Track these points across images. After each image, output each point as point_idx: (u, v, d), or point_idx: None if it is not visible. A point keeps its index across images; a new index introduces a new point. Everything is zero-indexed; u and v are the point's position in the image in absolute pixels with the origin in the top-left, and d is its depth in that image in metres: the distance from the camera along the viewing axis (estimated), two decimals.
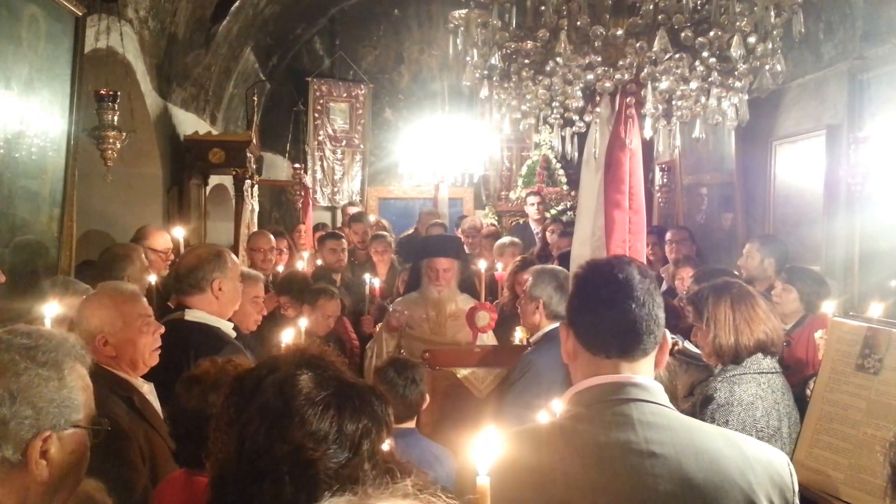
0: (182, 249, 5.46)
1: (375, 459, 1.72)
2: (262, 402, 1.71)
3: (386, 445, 1.93)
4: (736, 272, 5.33)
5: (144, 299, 3.25)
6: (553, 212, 10.68)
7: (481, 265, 5.95)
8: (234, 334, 3.90)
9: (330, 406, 1.69)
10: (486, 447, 1.57)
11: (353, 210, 10.52)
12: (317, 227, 9.82)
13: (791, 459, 3.23)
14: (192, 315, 3.76)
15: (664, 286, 6.84)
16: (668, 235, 7.03)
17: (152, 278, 4.66)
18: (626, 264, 1.93)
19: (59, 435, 1.69)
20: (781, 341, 3.50)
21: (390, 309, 5.51)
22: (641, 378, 1.83)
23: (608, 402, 1.78)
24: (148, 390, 3.11)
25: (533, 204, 9.84)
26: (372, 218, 10.56)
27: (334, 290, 5.49)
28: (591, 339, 1.87)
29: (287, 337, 3.65)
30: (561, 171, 11.39)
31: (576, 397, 1.84)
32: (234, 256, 4.02)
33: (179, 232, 5.58)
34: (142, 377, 3.13)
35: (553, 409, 2.20)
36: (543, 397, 1.87)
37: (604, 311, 1.87)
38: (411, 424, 3.60)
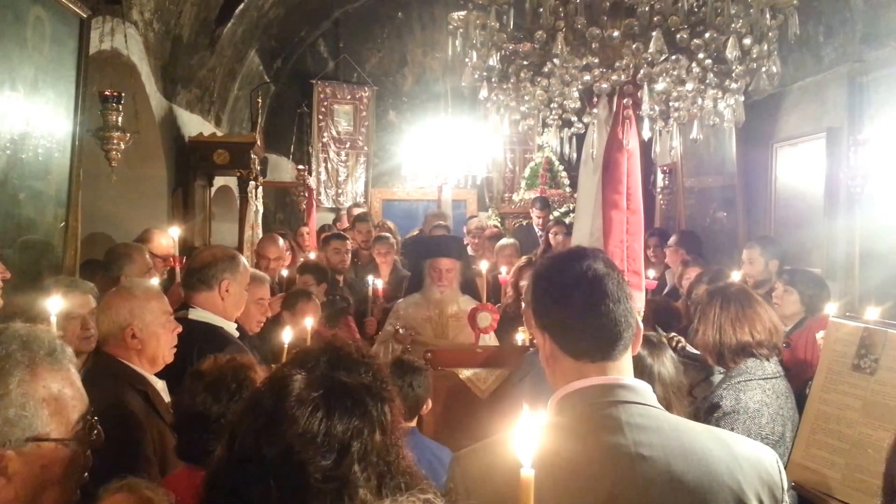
0: (177, 249, 5.48)
1: (368, 460, 1.69)
2: (255, 403, 1.71)
3: None
4: (734, 273, 5.35)
5: (166, 298, 3.34)
6: (556, 214, 10.69)
7: (482, 266, 5.97)
8: (237, 335, 3.94)
9: (319, 407, 1.66)
10: (528, 435, 1.42)
11: (357, 211, 10.56)
12: (322, 229, 9.86)
13: (789, 460, 3.29)
14: (196, 314, 3.81)
15: (668, 287, 6.87)
16: (670, 241, 7.04)
17: (154, 281, 4.68)
18: (591, 258, 1.86)
19: (18, 451, 1.60)
20: (780, 343, 3.52)
21: (394, 310, 5.54)
22: (629, 379, 1.80)
23: (596, 406, 1.75)
24: (161, 387, 3.17)
25: (540, 216, 9.72)
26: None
27: (311, 292, 5.49)
28: (572, 346, 1.82)
29: (287, 337, 3.70)
30: (564, 174, 11.42)
31: (563, 401, 1.80)
32: (246, 263, 4.08)
33: (175, 231, 5.58)
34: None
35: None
36: (545, 399, 1.86)
37: (582, 316, 1.80)
38: (412, 424, 3.62)
